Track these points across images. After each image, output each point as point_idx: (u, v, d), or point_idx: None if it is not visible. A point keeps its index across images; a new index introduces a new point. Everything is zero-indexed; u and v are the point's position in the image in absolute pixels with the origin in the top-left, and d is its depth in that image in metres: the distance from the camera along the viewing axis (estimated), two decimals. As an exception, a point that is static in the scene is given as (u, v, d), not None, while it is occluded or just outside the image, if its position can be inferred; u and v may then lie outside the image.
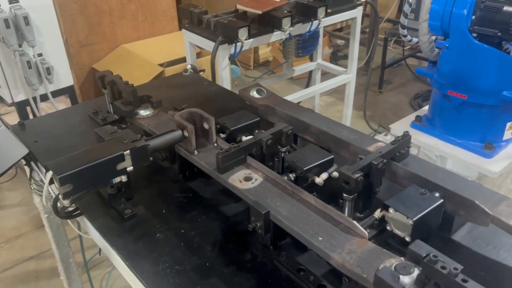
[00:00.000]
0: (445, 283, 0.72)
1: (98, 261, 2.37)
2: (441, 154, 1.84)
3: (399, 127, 2.00)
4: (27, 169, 1.47)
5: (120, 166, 1.06)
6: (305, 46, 2.91)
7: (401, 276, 0.76)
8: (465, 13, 1.53)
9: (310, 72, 3.37)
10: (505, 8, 1.50)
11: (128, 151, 1.06)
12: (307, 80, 3.52)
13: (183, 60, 3.40)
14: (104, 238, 1.12)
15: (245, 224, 1.03)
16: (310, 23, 2.60)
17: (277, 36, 2.51)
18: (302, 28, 2.62)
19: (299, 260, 1.01)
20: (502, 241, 1.03)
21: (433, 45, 1.78)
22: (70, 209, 1.21)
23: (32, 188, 1.47)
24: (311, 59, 3.31)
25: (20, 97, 2.48)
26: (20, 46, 2.35)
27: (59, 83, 2.57)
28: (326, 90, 3.70)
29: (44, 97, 2.56)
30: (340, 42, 4.94)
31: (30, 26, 2.31)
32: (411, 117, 2.02)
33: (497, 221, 0.96)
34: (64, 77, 2.60)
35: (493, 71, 1.61)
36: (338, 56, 4.86)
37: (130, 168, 1.08)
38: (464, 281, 0.70)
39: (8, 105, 2.90)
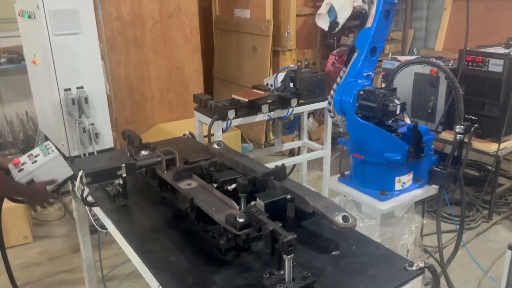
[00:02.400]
0: (254, 219, 1.48)
1: (116, 273, 3.13)
2: (353, 199, 2.56)
3: (332, 181, 2.75)
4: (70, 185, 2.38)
5: (119, 172, 1.92)
6: (288, 126, 3.79)
7: (237, 217, 1.53)
8: (351, 100, 2.35)
9: (299, 148, 4.22)
10: (372, 98, 2.31)
11: (124, 165, 1.93)
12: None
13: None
14: (105, 214, 1.95)
15: (188, 212, 1.82)
16: (287, 109, 3.50)
17: (260, 117, 3.41)
18: (281, 113, 3.52)
19: (208, 227, 1.78)
20: (325, 225, 1.76)
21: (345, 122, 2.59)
22: (91, 201, 2.06)
23: (72, 196, 2.36)
24: (299, 138, 4.17)
25: (74, 153, 3.46)
26: (80, 117, 3.40)
27: (103, 145, 3.55)
28: (313, 165, 4.51)
29: (91, 154, 3.54)
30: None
31: (88, 104, 3.37)
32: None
33: (315, 208, 1.70)
34: (107, 141, 3.59)
35: (375, 140, 2.37)
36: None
37: (124, 175, 1.93)
38: (259, 213, 1.47)
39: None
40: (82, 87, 3.39)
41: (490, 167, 3.76)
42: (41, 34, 3.21)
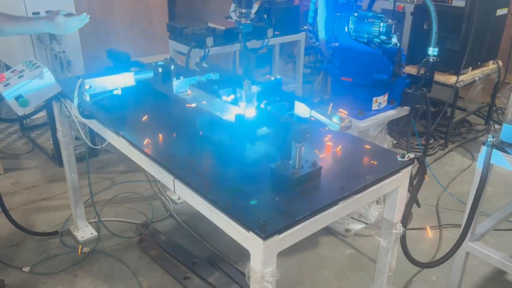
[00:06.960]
0: (265, 114, 1.58)
1: (97, 199, 3.16)
2: (333, 119, 2.71)
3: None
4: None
5: (117, 81, 1.93)
6: (260, 59, 3.85)
7: (245, 114, 1.62)
8: (346, 24, 2.44)
9: (269, 83, 4.30)
10: (368, 19, 2.43)
11: (122, 73, 1.94)
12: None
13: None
14: (104, 125, 1.97)
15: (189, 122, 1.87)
16: (262, 40, 3.55)
17: (237, 46, 3.45)
18: (257, 44, 3.57)
19: (211, 135, 1.86)
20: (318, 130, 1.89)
21: (329, 47, 2.69)
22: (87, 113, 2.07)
23: (62, 111, 2.35)
24: (270, 73, 4.24)
25: (46, 81, 3.36)
26: (50, 43, 3.27)
27: (75, 73, 3.46)
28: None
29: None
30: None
31: (59, 30, 3.25)
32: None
33: (313, 113, 1.82)
34: (79, 69, 3.51)
35: (366, 61, 2.49)
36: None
37: (123, 85, 1.95)
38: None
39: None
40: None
41: (444, 103, 4.02)
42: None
